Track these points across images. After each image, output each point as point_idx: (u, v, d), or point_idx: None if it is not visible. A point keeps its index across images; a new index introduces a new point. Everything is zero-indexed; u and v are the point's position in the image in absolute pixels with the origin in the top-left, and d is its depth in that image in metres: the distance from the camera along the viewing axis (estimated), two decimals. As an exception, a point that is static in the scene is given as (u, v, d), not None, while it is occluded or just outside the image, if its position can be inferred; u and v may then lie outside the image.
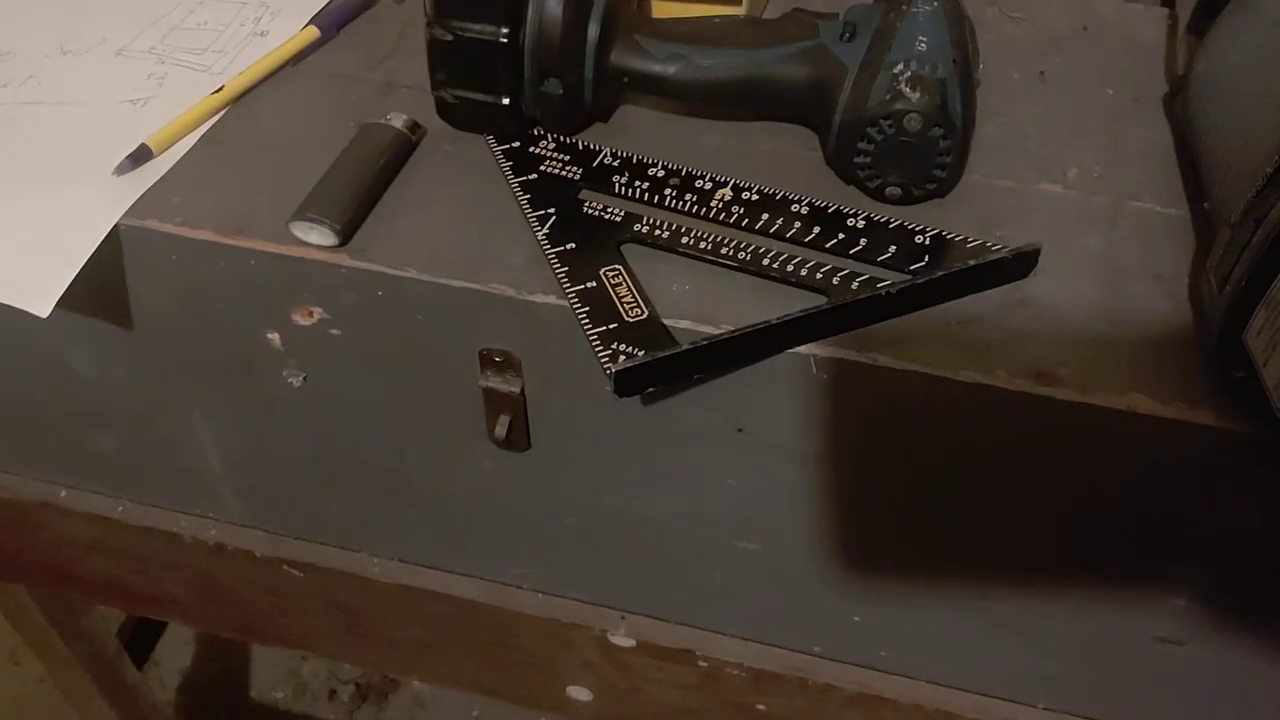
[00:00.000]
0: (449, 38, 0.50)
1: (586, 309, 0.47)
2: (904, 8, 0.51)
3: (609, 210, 0.51)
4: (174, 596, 0.77)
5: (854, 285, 0.47)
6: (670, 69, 0.51)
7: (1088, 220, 0.51)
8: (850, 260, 0.49)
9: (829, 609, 0.59)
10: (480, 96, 0.52)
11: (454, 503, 0.62)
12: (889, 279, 0.47)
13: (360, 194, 0.50)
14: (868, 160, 0.50)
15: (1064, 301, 0.48)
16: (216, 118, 0.56)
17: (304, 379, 0.56)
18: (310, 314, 0.52)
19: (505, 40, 0.50)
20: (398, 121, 0.53)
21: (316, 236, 0.49)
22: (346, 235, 0.50)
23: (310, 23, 0.60)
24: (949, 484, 0.50)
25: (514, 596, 0.66)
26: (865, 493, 0.52)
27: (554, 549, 0.62)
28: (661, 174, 0.52)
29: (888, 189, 0.50)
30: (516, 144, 0.54)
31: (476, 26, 0.50)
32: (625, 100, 0.57)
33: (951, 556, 0.53)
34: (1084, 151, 0.55)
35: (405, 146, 0.53)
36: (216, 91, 0.56)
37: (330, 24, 0.60)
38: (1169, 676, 0.55)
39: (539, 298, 0.48)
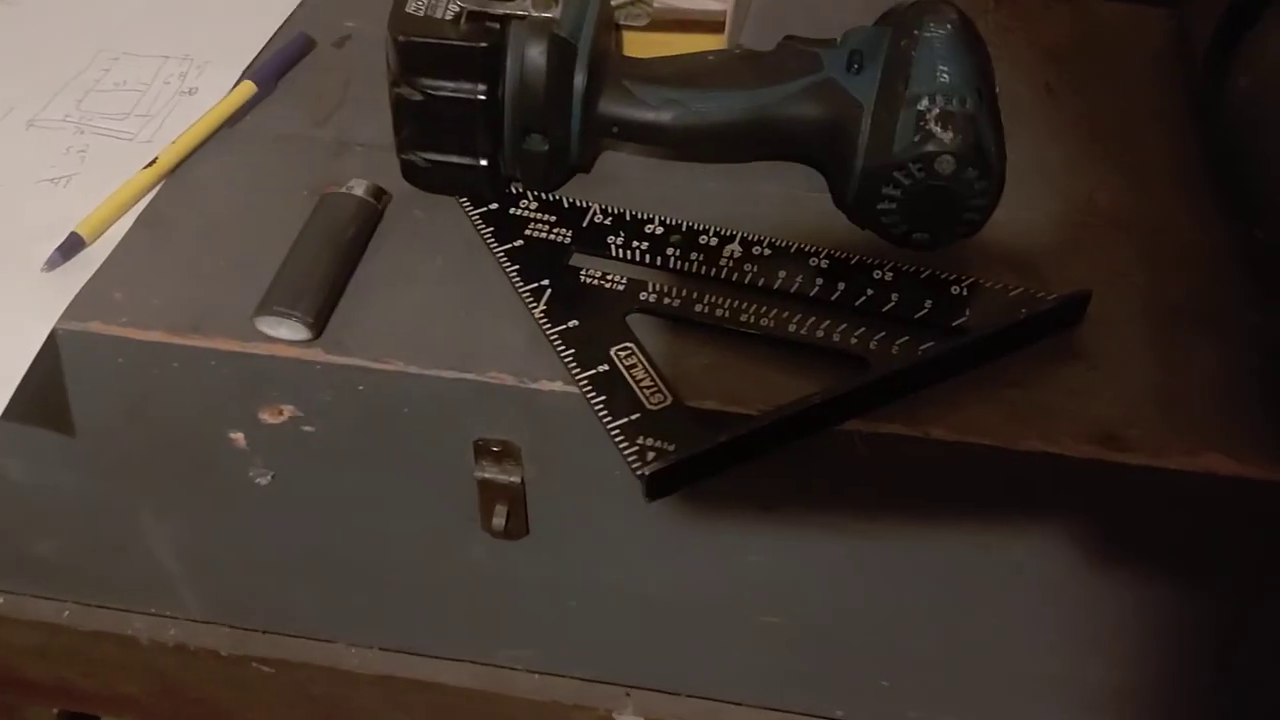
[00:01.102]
0: (418, 98, 0.44)
1: (603, 399, 0.41)
2: (915, 33, 0.46)
3: (609, 278, 0.46)
4: (131, 697, 0.71)
5: (894, 350, 0.43)
6: (665, 116, 0.46)
7: (1127, 253, 0.48)
8: (883, 318, 0.44)
9: (856, 675, 0.55)
10: (454, 159, 0.47)
11: (441, 590, 0.56)
12: (928, 338, 0.43)
13: (329, 277, 0.45)
14: (894, 206, 0.45)
15: (1118, 350, 0.44)
16: (152, 194, 0.49)
17: (271, 477, 0.50)
18: (280, 412, 0.46)
19: (484, 98, 0.44)
20: (360, 189, 0.47)
21: (286, 331, 0.43)
22: (319, 327, 0.44)
23: (245, 77, 0.54)
24: (1001, 549, 0.46)
25: (508, 680, 0.61)
26: (911, 562, 0.47)
27: (552, 630, 0.57)
28: (660, 231, 0.47)
29: (914, 235, 0.46)
30: (494, 206, 0.48)
31: (451, 85, 0.44)
32: (608, 147, 0.52)
33: (1002, 623, 0.49)
34: (1109, 174, 0.51)
35: (371, 216, 0.48)
36: (149, 165, 0.49)
37: (266, 76, 0.54)
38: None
39: (544, 385, 0.43)
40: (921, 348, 0.43)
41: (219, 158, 0.51)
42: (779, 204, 0.50)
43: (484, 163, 0.46)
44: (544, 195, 0.49)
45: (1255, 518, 0.42)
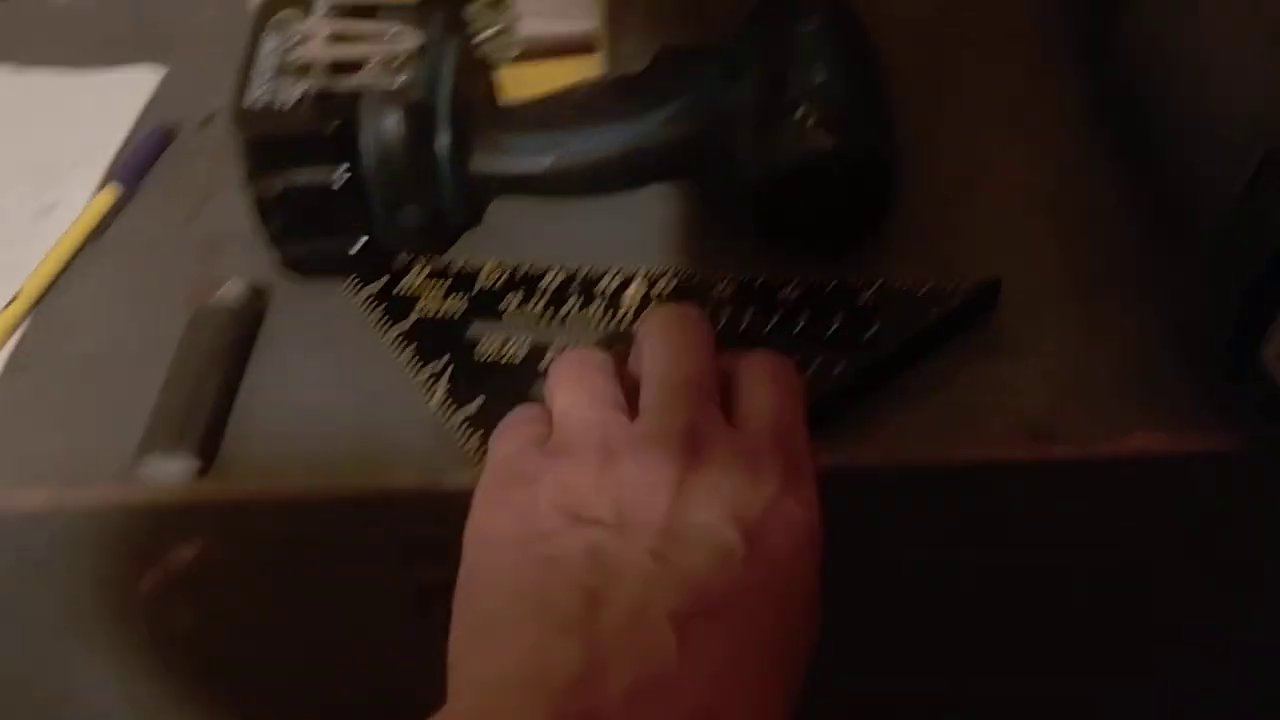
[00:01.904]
0: (277, 191, 0.42)
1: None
2: (788, 30, 0.44)
3: (506, 348, 0.43)
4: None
5: (806, 378, 0.41)
6: (543, 163, 0.44)
7: (1037, 222, 0.46)
8: (794, 342, 0.42)
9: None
10: (328, 244, 0.44)
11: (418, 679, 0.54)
12: (839, 359, 0.41)
13: (211, 400, 0.42)
14: (787, 222, 0.43)
15: (1038, 332, 0.42)
16: (20, 333, 0.47)
17: (196, 615, 0.47)
18: (188, 553, 0.44)
19: (347, 177, 0.41)
20: (233, 294, 0.45)
21: (174, 469, 0.41)
22: (208, 459, 0.41)
23: (103, 183, 0.51)
24: (949, 570, 0.44)
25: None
26: (857, 593, 0.46)
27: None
28: (558, 283, 0.45)
29: (818, 244, 0.44)
30: (383, 281, 0.46)
31: (306, 173, 0.41)
32: (497, 196, 0.49)
33: (965, 643, 0.48)
34: (1009, 135, 0.49)
35: (251, 320, 0.45)
36: (10, 303, 0.46)
37: (130, 175, 0.51)
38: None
39: (450, 481, 0.40)
40: (835, 371, 0.41)
41: (86, 279, 0.48)
42: (683, 227, 0.47)
43: (363, 240, 0.44)
44: (433, 260, 0.46)
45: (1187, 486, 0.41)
